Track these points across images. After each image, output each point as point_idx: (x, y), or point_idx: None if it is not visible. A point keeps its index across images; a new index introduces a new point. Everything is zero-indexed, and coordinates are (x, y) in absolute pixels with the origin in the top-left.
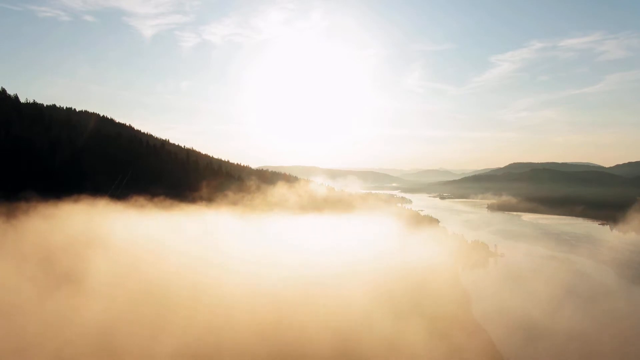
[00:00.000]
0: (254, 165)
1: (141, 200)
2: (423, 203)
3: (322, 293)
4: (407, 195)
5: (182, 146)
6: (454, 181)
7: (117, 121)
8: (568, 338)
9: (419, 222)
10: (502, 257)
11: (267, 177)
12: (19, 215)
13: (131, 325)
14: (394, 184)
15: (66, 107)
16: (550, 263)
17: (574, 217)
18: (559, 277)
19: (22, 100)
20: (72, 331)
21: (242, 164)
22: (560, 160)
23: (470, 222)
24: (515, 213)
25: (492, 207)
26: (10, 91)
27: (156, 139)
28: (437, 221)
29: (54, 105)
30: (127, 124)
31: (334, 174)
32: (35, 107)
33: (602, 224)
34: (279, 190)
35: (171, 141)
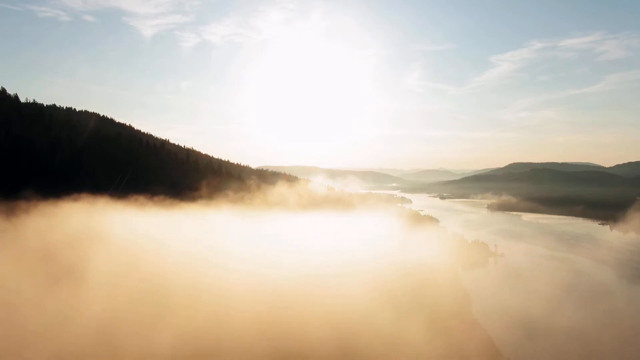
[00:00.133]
0: (254, 165)
1: (141, 199)
2: (423, 203)
3: (322, 292)
4: (407, 195)
5: (182, 146)
6: (454, 181)
7: (117, 121)
8: (567, 337)
9: (419, 221)
10: (502, 256)
11: (267, 177)
12: (19, 213)
13: (131, 324)
14: (394, 184)
15: (66, 107)
16: (550, 263)
17: (574, 217)
18: (558, 277)
19: (22, 100)
20: (71, 330)
21: (242, 164)
22: (560, 160)
23: (470, 222)
24: (515, 213)
25: (492, 207)
26: (10, 91)
27: (156, 138)
28: (437, 221)
29: (54, 105)
30: (127, 124)
31: (333, 174)
32: (35, 107)
33: (602, 224)
34: (279, 189)
35: (171, 141)
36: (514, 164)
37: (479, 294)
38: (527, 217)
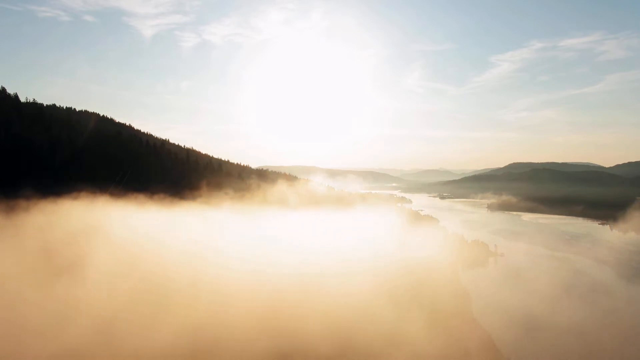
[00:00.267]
0: (253, 165)
1: (141, 198)
2: (423, 203)
3: (322, 290)
4: (407, 195)
5: (182, 146)
6: (454, 181)
7: (117, 121)
8: (567, 336)
9: (419, 221)
10: (502, 256)
11: (267, 177)
12: (19, 211)
13: (130, 322)
14: (394, 184)
15: (66, 107)
16: (550, 262)
17: (574, 217)
18: (559, 277)
19: (22, 99)
20: (71, 328)
21: (242, 164)
22: (560, 160)
23: (470, 221)
24: (515, 213)
25: (492, 207)
26: (10, 91)
27: (156, 138)
28: (437, 221)
29: (54, 105)
30: (127, 124)
31: (333, 174)
32: (35, 106)
33: (602, 224)
34: (279, 188)
35: (171, 141)
36: (514, 164)
37: (479, 293)
38: (527, 217)
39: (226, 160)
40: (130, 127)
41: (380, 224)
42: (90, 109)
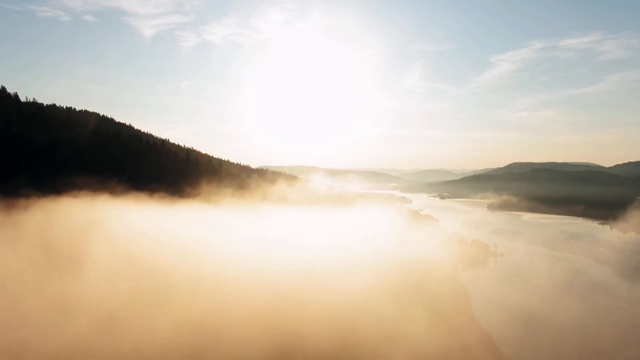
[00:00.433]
0: (254, 165)
1: (141, 196)
2: (423, 202)
3: (322, 288)
4: (407, 195)
5: (182, 145)
6: (454, 181)
7: (117, 121)
8: (567, 335)
9: (419, 221)
10: (502, 256)
11: (267, 176)
12: (19, 210)
13: (130, 319)
14: (394, 184)
15: (66, 107)
16: (550, 262)
17: (574, 217)
18: (558, 276)
19: (22, 99)
20: (72, 325)
21: (242, 164)
22: (560, 160)
23: (470, 221)
24: (515, 212)
25: (492, 207)
26: (11, 90)
27: (156, 138)
28: (437, 220)
29: (54, 105)
30: (127, 124)
31: (333, 174)
32: (35, 106)
33: (602, 224)
34: (279, 188)
35: (171, 141)
36: (514, 163)
37: (479, 292)
38: (527, 216)
39: (226, 160)
40: (130, 127)
41: (380, 224)
42: (90, 109)
